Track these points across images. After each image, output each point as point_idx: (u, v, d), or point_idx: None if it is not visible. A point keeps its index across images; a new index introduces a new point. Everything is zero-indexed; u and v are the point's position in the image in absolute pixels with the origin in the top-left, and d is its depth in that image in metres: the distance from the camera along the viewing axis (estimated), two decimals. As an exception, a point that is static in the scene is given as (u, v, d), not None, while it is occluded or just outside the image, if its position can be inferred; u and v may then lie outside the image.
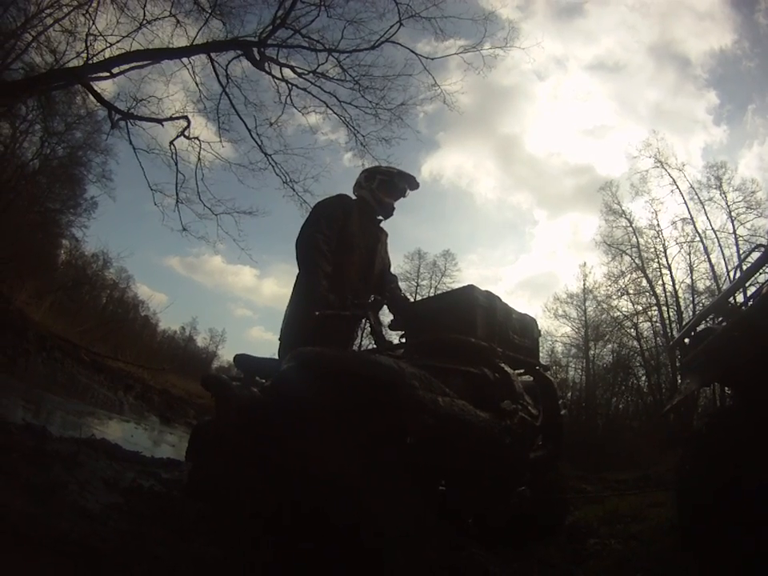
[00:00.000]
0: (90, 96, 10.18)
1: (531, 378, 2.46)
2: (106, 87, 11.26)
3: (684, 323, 2.58)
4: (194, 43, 10.03)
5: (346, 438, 1.52)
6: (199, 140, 11.08)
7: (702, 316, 2.50)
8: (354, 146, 11.41)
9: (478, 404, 1.75)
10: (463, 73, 13.01)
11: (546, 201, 42.63)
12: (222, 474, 2.00)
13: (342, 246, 2.62)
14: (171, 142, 10.95)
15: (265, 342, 38.63)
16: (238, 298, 38.11)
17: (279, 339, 2.66)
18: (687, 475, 2.04)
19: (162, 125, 10.84)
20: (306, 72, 10.77)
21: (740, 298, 2.67)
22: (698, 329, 2.35)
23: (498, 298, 2.42)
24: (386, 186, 2.83)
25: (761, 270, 2.04)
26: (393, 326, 2.72)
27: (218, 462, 2.12)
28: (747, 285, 2.29)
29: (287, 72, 10.86)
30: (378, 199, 2.82)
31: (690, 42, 43.18)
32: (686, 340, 2.41)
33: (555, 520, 2.59)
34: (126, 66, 9.81)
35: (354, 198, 2.88)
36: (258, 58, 10.32)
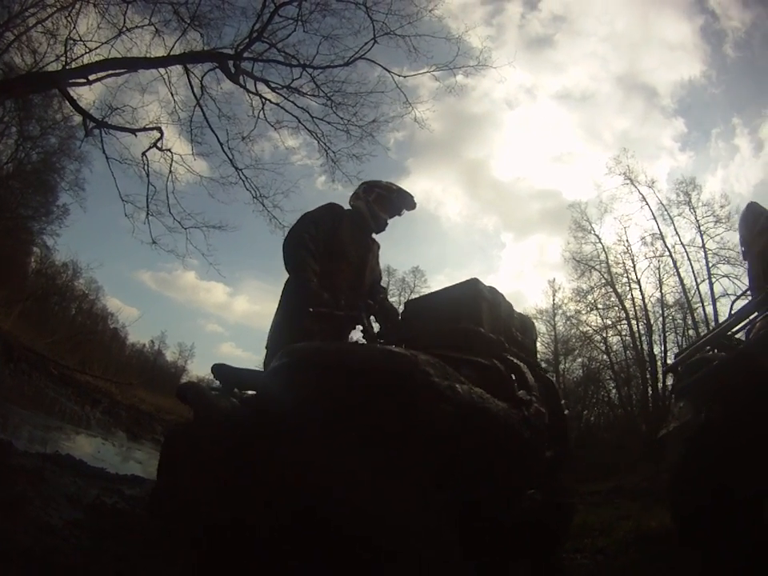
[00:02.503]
0: (66, 101, 10.05)
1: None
2: (82, 93, 11.14)
3: (679, 352, 2.64)
4: (171, 53, 10.00)
5: (353, 441, 1.33)
6: (171, 152, 10.98)
7: (698, 348, 2.59)
8: (324, 162, 11.47)
9: (492, 395, 1.55)
10: (434, 94, 13.27)
11: (513, 224, 43.58)
12: (190, 488, 1.89)
13: (331, 253, 2.58)
14: (144, 153, 10.81)
15: (235, 357, 38.13)
16: (209, 314, 38.05)
17: (266, 347, 2.54)
18: (681, 481, 2.09)
19: (136, 135, 10.68)
20: (279, 87, 10.79)
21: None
22: (693, 357, 2.47)
23: (501, 294, 2.31)
24: (382, 201, 2.81)
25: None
26: (382, 336, 2.61)
27: (187, 475, 2.00)
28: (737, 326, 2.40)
29: (261, 87, 10.91)
30: (374, 213, 2.78)
31: (659, 72, 44.28)
32: (679, 367, 2.53)
33: (562, 526, 2.38)
34: (103, 74, 9.68)
35: (347, 207, 2.84)
36: (233, 71, 10.30)
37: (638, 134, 35.93)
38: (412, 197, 2.88)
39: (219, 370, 2.45)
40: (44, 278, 20.69)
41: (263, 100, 10.98)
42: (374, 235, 2.90)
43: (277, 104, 11.06)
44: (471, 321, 2.05)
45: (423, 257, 44.54)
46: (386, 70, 11.13)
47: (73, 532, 1.89)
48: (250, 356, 57.54)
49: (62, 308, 23.93)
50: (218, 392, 2.39)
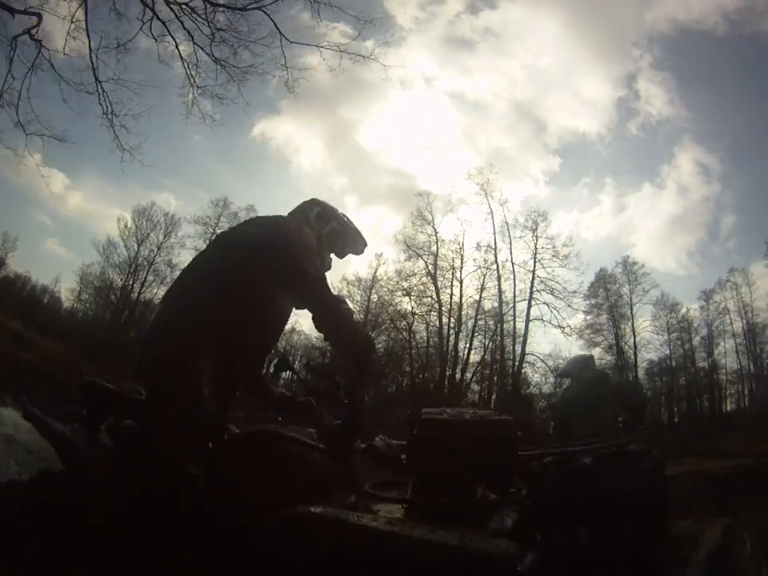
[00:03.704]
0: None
1: None
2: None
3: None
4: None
5: None
6: (41, 44, 10.11)
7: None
8: (185, 93, 11.56)
9: None
10: (318, 65, 13.14)
11: (360, 190, 44.79)
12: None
13: None
14: (15, 37, 9.88)
15: (57, 256, 35.35)
16: (43, 204, 34.36)
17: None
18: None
19: (13, 16, 9.83)
20: (175, 2, 10.34)
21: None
22: None
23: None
24: (336, 239, 2.25)
25: None
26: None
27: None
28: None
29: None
30: (323, 252, 2.20)
31: (558, 113, 47.85)
32: None
33: None
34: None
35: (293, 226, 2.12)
36: None
37: (512, 155, 39.92)
38: (365, 243, 2.40)
39: (92, 387, 1.73)
40: None
41: (152, 12, 10.37)
42: None
43: (163, 22, 10.56)
44: None
45: (262, 195, 43.40)
46: (278, 29, 11.17)
47: None
48: (73, 258, 53.05)
49: None
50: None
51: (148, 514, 1.33)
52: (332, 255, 2.28)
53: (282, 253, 1.81)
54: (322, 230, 2.18)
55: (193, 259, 2.00)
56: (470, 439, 1.42)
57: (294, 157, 46.41)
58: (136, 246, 25.23)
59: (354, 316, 1.95)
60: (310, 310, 1.86)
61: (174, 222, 25.80)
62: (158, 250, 25.23)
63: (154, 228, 25.52)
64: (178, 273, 2.19)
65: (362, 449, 1.91)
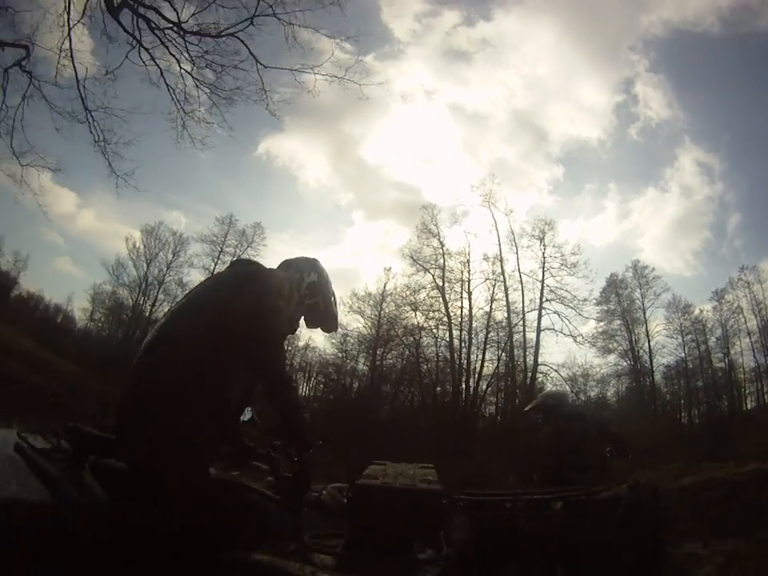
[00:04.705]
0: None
1: None
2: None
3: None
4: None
5: None
6: (31, 75, 10.32)
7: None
8: (174, 119, 11.67)
9: None
10: (295, 89, 13.42)
11: (366, 204, 44.21)
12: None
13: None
14: (6, 69, 10.14)
15: (70, 274, 35.97)
16: (53, 222, 35.33)
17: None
18: None
19: (3, 49, 10.07)
20: (158, 28, 10.61)
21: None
22: None
23: None
24: (314, 312, 2.27)
25: None
26: None
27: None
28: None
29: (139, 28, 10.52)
30: (297, 321, 2.22)
31: (558, 122, 47.63)
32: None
33: None
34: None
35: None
36: (116, 5, 9.98)
37: (515, 166, 39.53)
38: (336, 328, 2.46)
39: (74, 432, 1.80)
40: None
41: (137, 41, 10.61)
42: None
43: (147, 49, 10.81)
44: None
45: (269, 213, 44.28)
46: (252, 54, 11.33)
47: None
48: (86, 276, 53.67)
49: None
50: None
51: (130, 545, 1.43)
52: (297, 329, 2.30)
53: (259, 323, 1.82)
54: (307, 300, 2.21)
55: (180, 304, 1.97)
56: (398, 505, 1.66)
57: (299, 173, 46.96)
58: (145, 265, 25.43)
59: (299, 397, 2.12)
60: (263, 383, 1.89)
61: (182, 241, 26.05)
62: (168, 269, 25.41)
63: (162, 247, 25.74)
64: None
65: (310, 500, 2.02)
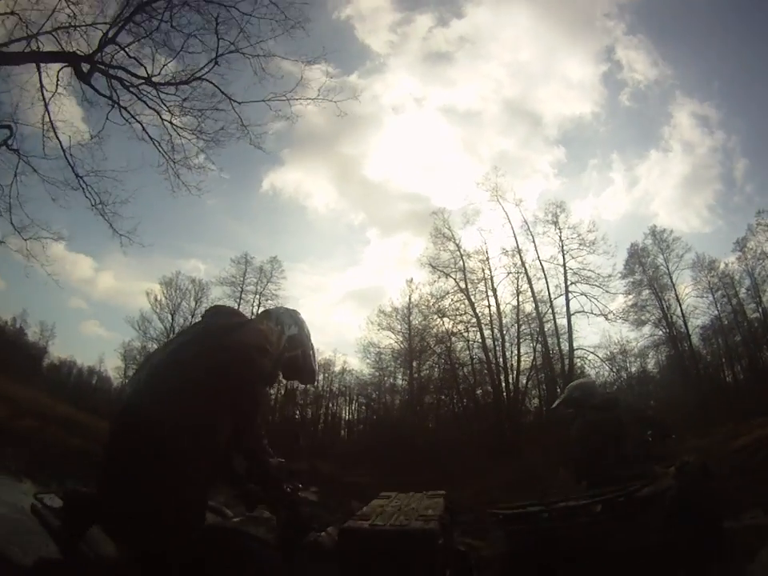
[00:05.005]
0: None
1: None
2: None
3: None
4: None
5: None
6: (19, 153, 10.58)
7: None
8: (165, 170, 11.78)
9: None
10: (272, 117, 13.62)
11: (379, 221, 45.28)
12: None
13: None
14: None
15: (98, 337, 39.01)
16: (74, 288, 36.78)
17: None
18: None
19: None
20: (132, 85, 10.81)
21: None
22: None
23: None
24: (292, 365, 2.23)
25: None
26: None
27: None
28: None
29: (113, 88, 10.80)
30: (276, 372, 2.16)
31: (550, 104, 47.25)
32: None
33: None
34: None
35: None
36: (86, 72, 10.21)
37: (516, 155, 39.46)
38: (313, 381, 2.47)
39: (72, 496, 1.75)
40: None
41: (115, 102, 10.80)
42: None
43: (125, 108, 10.98)
44: None
45: (284, 246, 46.32)
46: (223, 93, 11.43)
47: None
48: (114, 336, 56.03)
49: None
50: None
51: None
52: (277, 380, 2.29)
53: (241, 383, 1.80)
54: (287, 352, 2.17)
55: (168, 352, 1.91)
56: (386, 550, 1.62)
57: (307, 202, 47.33)
58: (170, 316, 26.03)
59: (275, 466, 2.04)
60: (245, 446, 1.91)
61: (203, 287, 26.76)
62: (192, 317, 25.59)
63: (184, 296, 26.44)
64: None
65: (308, 543, 1.98)
